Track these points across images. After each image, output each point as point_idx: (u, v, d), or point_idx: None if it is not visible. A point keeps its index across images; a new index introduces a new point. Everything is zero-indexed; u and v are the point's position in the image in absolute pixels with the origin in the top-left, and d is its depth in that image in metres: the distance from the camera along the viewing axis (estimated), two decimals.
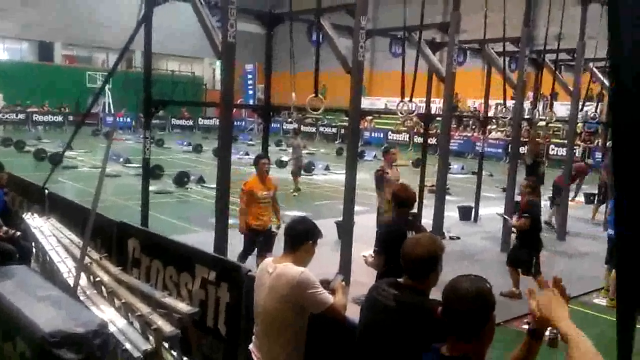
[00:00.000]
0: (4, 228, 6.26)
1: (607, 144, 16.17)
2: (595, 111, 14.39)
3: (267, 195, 7.17)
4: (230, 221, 7.24)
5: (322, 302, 3.14)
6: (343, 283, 3.46)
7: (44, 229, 6.03)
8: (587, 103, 13.51)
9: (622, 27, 1.62)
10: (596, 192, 14.21)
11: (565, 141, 14.42)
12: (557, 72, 11.51)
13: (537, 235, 7.41)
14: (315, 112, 7.38)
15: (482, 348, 2.20)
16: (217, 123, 8.92)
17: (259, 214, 7.13)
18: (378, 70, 34.04)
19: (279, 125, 34.23)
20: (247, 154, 22.23)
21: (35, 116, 31.71)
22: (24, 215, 6.70)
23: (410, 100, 8.60)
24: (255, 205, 7.12)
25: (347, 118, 7.66)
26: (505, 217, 8.35)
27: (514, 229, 7.90)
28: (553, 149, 24.46)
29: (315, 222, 3.47)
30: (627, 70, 1.65)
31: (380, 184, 8.50)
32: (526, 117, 12.63)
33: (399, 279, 2.79)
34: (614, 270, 7.69)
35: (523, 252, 7.34)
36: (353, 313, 3.20)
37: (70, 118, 31.88)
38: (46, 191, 7.37)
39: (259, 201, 7.10)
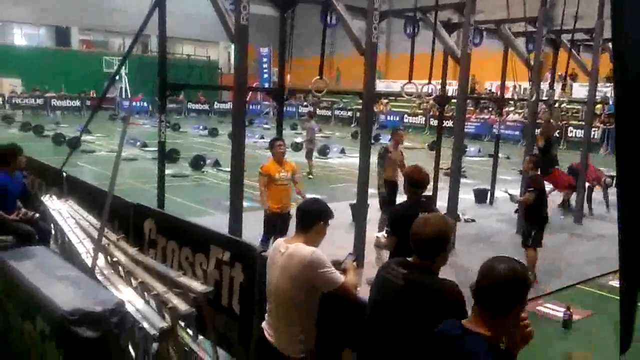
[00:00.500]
0: (24, 210, 6.37)
1: None
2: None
3: (285, 177, 7.19)
4: (245, 204, 7.29)
5: (333, 281, 3.17)
6: (354, 263, 3.50)
7: (63, 211, 6.14)
8: (607, 84, 13.30)
9: (626, 17, 1.60)
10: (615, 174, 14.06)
11: (584, 123, 14.16)
12: (575, 53, 11.33)
13: (541, 210, 7.40)
14: (319, 94, 7.40)
15: (505, 329, 2.22)
16: None
17: (278, 197, 7.16)
18: (395, 52, 33.78)
19: (294, 109, 34.20)
20: (262, 137, 22.27)
21: (54, 101, 32.01)
22: (42, 198, 6.82)
23: (429, 83, 8.57)
24: (274, 187, 7.15)
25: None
26: (510, 193, 8.33)
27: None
28: (571, 131, 24.14)
29: (329, 204, 3.50)
30: (633, 61, 1.63)
31: (382, 161, 8.55)
32: (544, 98, 12.48)
33: (408, 258, 2.81)
34: None
35: (525, 225, 7.48)
36: (366, 293, 3.24)
37: (88, 103, 32.13)
38: (64, 174, 7.48)
39: (277, 183, 7.13)
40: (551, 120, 11.29)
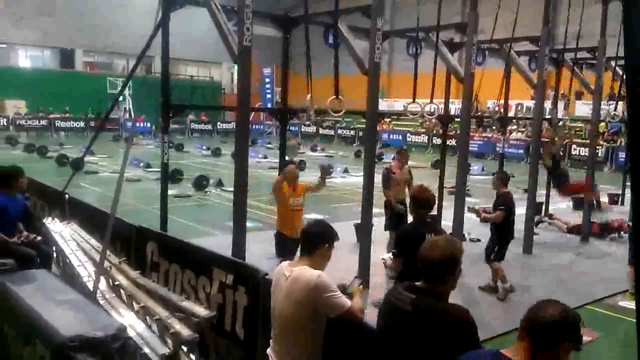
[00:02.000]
0: (25, 233, 6.31)
1: None
2: (615, 110, 13.94)
3: (298, 202, 7.04)
4: (249, 224, 7.23)
5: (339, 305, 3.10)
6: (360, 287, 3.43)
7: (64, 234, 6.10)
8: (610, 102, 13.27)
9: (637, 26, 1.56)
10: (619, 192, 13.96)
11: (588, 141, 14.13)
12: (578, 71, 11.34)
13: (509, 226, 7.50)
14: (335, 114, 7.35)
15: None
16: None
17: (290, 221, 7.00)
18: (396, 71, 33.94)
19: (297, 128, 34.28)
20: (265, 157, 22.29)
21: (58, 122, 32.14)
22: (44, 220, 6.77)
23: (431, 102, 8.56)
24: (285, 211, 7.01)
25: (365, 120, 7.62)
26: (470, 208, 8.17)
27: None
28: (575, 149, 24.09)
29: (332, 224, 3.44)
30: None
31: (386, 183, 8.44)
32: (547, 117, 12.48)
33: (416, 283, 2.74)
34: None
35: (489, 240, 7.58)
36: (372, 316, 3.17)
37: (92, 124, 32.26)
38: (66, 196, 7.44)
39: (290, 208, 6.99)
40: (555, 139, 11.24)
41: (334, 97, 7.16)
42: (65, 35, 35.25)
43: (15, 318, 3.99)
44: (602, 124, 20.86)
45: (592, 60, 11.48)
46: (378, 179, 8.11)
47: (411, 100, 8.36)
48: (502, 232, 7.46)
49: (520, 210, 10.29)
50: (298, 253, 3.47)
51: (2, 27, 32.85)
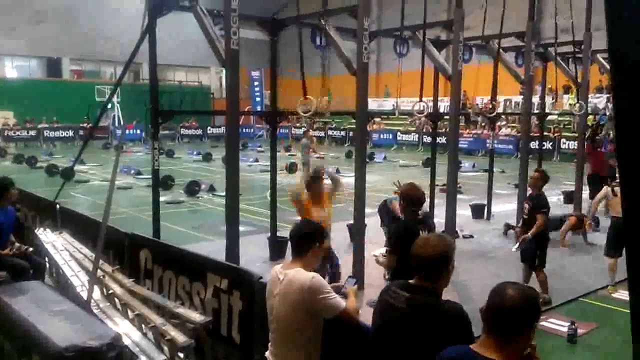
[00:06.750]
0: (17, 244, 6.30)
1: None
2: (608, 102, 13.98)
3: (323, 215, 5.82)
4: (242, 228, 7.22)
5: (334, 306, 3.11)
6: (355, 287, 3.44)
7: (57, 244, 6.05)
8: (597, 95, 13.40)
9: (624, 9, 1.57)
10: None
11: (576, 134, 14.21)
12: (564, 65, 11.41)
13: (547, 228, 7.13)
14: (305, 115, 7.35)
15: (516, 354, 2.18)
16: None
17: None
18: (385, 71, 33.99)
19: (287, 131, 34.24)
20: (256, 160, 22.25)
21: (46, 132, 31.91)
22: (36, 231, 6.73)
23: (420, 100, 8.59)
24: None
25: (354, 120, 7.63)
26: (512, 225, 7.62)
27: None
28: (564, 143, 24.28)
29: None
30: (630, 54, 1.60)
31: None
32: (535, 111, 12.58)
33: (410, 280, 2.76)
34: (606, 258, 7.55)
35: (530, 247, 7.06)
36: (368, 316, 3.18)
37: (81, 133, 32.05)
38: (57, 206, 7.40)
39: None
40: None
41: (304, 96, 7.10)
42: (52, 44, 35.01)
43: (10, 330, 3.97)
44: (591, 116, 21.06)
45: (578, 54, 11.57)
46: (369, 178, 8.13)
47: (403, 99, 8.40)
48: (541, 234, 6.99)
49: (512, 206, 10.33)
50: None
51: None
